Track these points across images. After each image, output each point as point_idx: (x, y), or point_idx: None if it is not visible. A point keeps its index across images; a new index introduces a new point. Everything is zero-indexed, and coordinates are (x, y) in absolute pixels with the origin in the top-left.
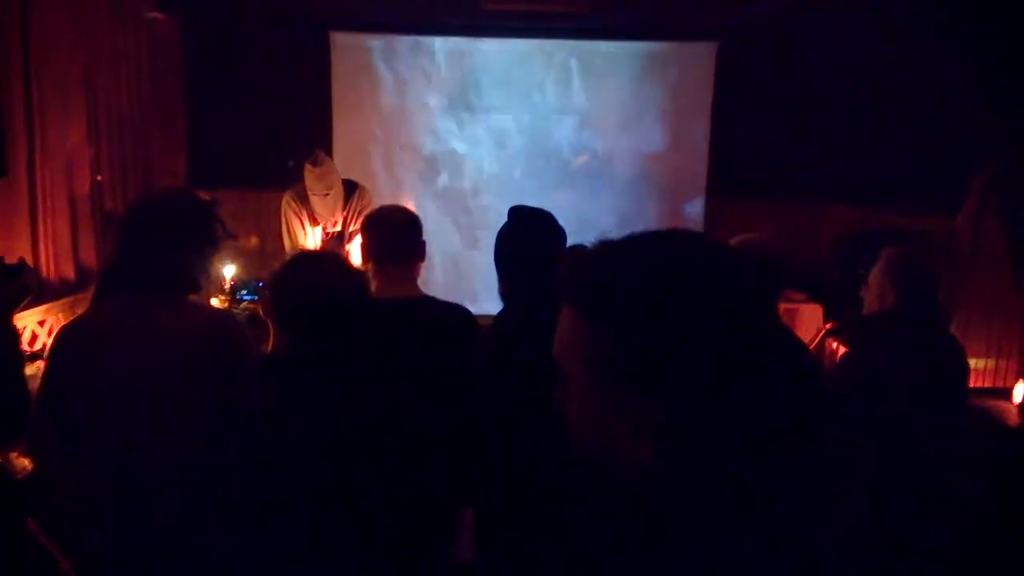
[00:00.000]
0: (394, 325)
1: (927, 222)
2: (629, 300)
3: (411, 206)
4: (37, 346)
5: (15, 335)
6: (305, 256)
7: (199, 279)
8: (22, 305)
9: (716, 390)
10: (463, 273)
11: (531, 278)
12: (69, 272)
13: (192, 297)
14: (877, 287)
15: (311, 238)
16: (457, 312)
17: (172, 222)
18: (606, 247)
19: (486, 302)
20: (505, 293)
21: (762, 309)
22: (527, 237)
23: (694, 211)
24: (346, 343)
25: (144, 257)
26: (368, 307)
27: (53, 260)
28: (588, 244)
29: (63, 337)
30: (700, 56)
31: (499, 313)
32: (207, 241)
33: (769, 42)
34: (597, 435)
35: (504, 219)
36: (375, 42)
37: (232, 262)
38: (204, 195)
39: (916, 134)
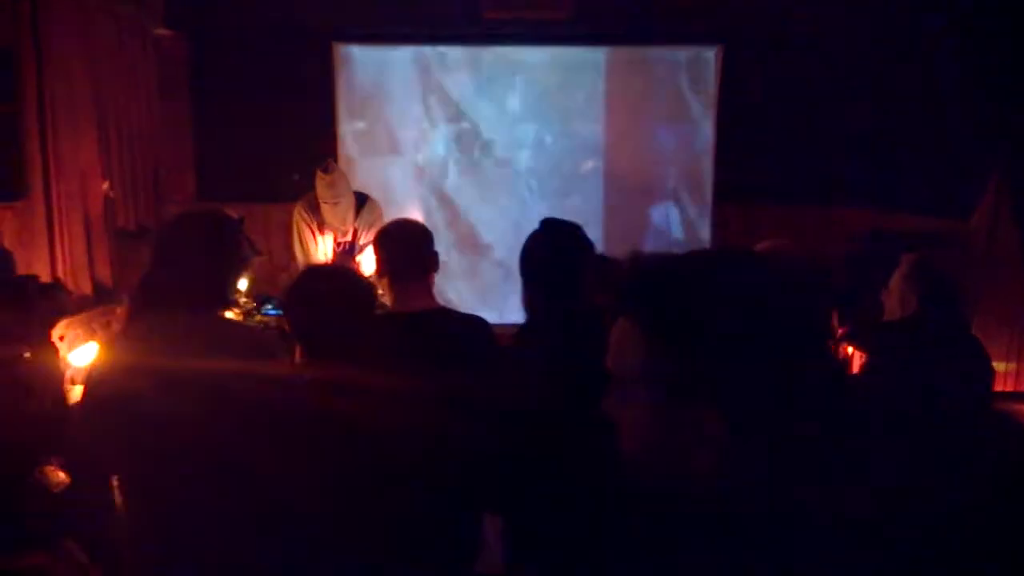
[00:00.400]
0: (412, 337)
1: (938, 223)
2: (688, 316)
3: (417, 216)
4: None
5: (54, 352)
6: (313, 270)
7: (229, 294)
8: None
9: (769, 400)
10: (472, 281)
11: (560, 289)
12: (87, 287)
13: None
14: (899, 292)
15: (322, 247)
16: (475, 322)
17: (204, 240)
18: (663, 263)
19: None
20: (529, 303)
21: (813, 321)
22: (557, 248)
23: (697, 215)
24: (360, 354)
25: (178, 274)
26: (378, 317)
27: (71, 276)
28: (610, 255)
29: (102, 355)
30: (704, 59)
31: (524, 323)
32: (237, 257)
33: (772, 43)
34: (656, 444)
35: (509, 226)
36: (378, 53)
37: (242, 276)
38: (232, 212)
39: (923, 134)
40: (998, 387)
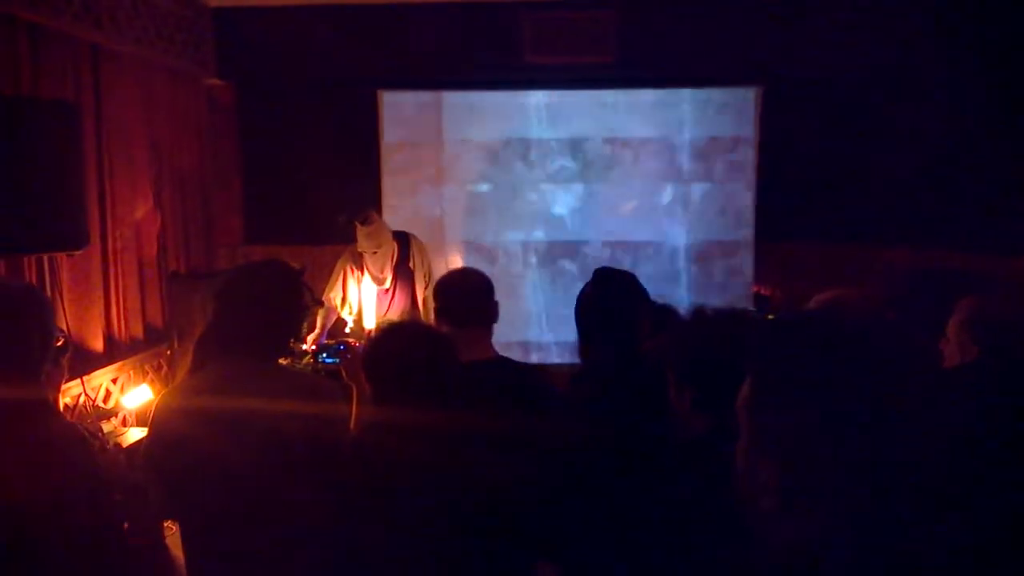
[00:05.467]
0: (473, 387)
1: (983, 261)
2: (770, 373)
3: (459, 259)
4: (111, 404)
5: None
6: (395, 327)
7: (289, 344)
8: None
9: (822, 461)
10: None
11: (615, 339)
12: (138, 332)
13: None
14: (957, 340)
15: (366, 295)
16: (532, 373)
17: (267, 291)
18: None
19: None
20: (584, 351)
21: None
22: (612, 298)
23: (741, 255)
24: (440, 407)
25: (242, 325)
26: (458, 372)
27: (124, 321)
28: (674, 306)
29: (166, 402)
30: (745, 99)
31: (578, 372)
32: (298, 308)
33: (811, 84)
34: (745, 480)
35: (549, 271)
36: (423, 98)
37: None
38: (295, 263)
39: (967, 171)
40: None
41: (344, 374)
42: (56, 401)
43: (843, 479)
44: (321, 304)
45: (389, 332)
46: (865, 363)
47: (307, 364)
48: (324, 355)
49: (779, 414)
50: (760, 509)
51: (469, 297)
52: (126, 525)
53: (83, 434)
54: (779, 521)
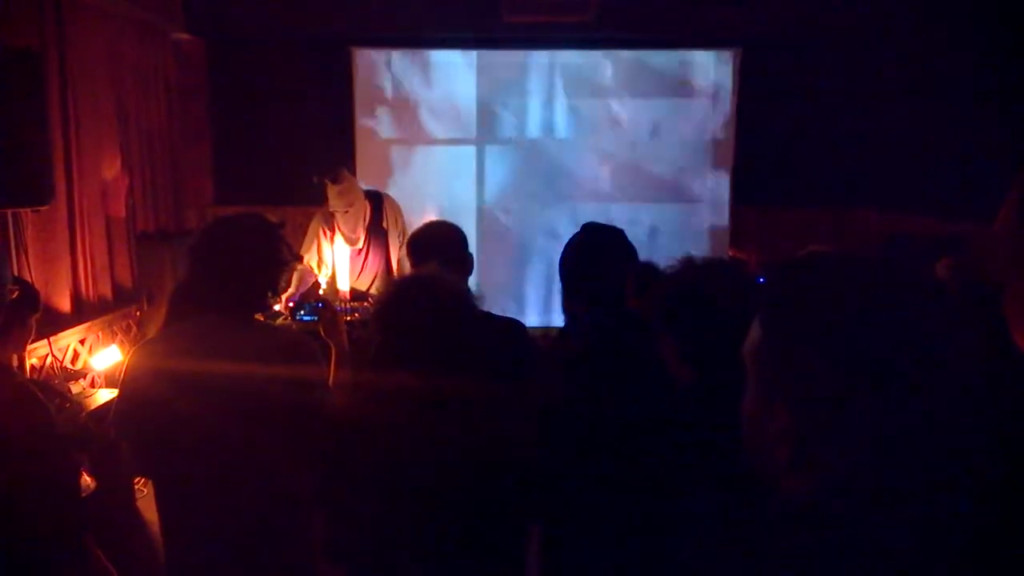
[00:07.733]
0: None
1: (957, 227)
2: (782, 315)
3: (434, 217)
4: (79, 364)
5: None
6: (411, 279)
7: (267, 299)
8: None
9: (840, 405)
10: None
11: (602, 294)
12: (107, 292)
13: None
14: None
15: (339, 255)
16: (513, 325)
17: (244, 245)
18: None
19: None
20: (569, 308)
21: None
22: (600, 253)
23: (719, 221)
24: (454, 363)
25: (218, 278)
26: (475, 325)
27: (92, 281)
28: (655, 264)
29: (138, 359)
30: (722, 63)
31: (563, 329)
32: (276, 262)
33: (789, 47)
34: (754, 430)
35: (523, 234)
36: (397, 56)
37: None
38: (272, 217)
39: (940, 135)
40: None
41: (322, 332)
42: (22, 360)
43: (864, 425)
44: (300, 259)
45: (410, 283)
46: (886, 302)
47: (284, 322)
48: (302, 312)
49: (794, 358)
50: (774, 459)
51: (445, 249)
52: (94, 483)
53: (34, 392)
54: (794, 472)
